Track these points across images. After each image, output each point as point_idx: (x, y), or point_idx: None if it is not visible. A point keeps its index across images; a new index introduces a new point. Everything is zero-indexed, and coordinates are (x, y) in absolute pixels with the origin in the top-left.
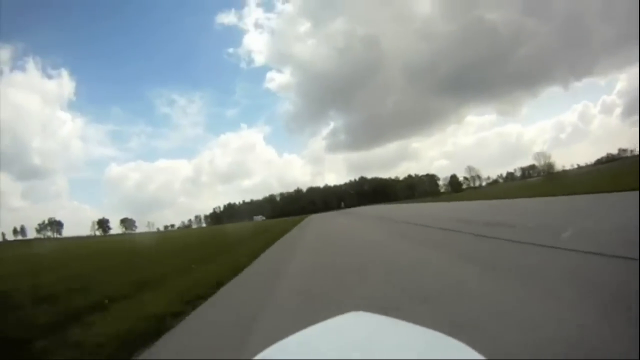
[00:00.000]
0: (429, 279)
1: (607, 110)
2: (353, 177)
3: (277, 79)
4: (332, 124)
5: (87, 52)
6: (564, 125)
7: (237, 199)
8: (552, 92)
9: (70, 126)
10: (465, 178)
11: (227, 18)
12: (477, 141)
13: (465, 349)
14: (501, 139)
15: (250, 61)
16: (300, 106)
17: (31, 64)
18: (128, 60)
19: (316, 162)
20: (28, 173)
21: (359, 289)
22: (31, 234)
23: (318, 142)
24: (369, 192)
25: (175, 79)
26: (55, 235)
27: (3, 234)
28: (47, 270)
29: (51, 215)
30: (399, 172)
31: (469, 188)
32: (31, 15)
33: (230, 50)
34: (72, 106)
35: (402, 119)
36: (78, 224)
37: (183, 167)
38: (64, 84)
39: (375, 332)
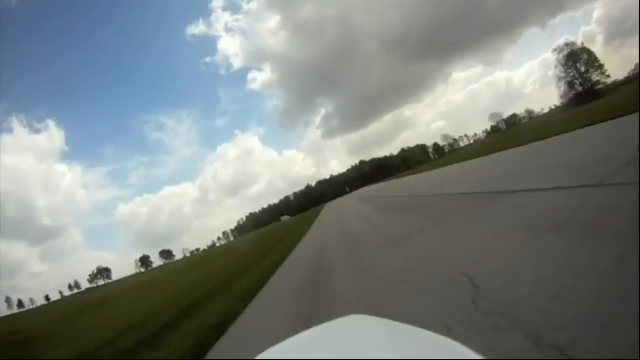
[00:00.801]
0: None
1: (589, 40)
2: (354, 158)
3: (258, 78)
4: (323, 111)
5: (69, 98)
6: (550, 63)
7: (251, 209)
8: (531, 34)
9: (69, 177)
10: (450, 143)
11: (197, 29)
12: (468, 96)
13: (464, 350)
14: (492, 88)
15: (229, 66)
16: (288, 100)
17: (16, 123)
18: (110, 95)
19: (316, 152)
20: (41, 235)
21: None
22: (84, 285)
23: (313, 131)
24: (370, 173)
25: (159, 102)
26: (107, 281)
27: (61, 292)
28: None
29: (74, 271)
30: (398, 144)
31: (450, 152)
32: (6, 74)
33: (207, 59)
34: (67, 156)
35: (389, 89)
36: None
37: (188, 190)
38: (53, 135)
39: (374, 335)
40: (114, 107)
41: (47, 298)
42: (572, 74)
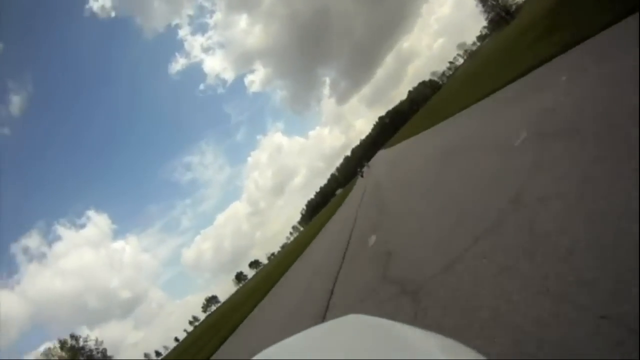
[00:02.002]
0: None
1: None
2: (376, 110)
3: (255, 79)
4: (327, 80)
5: (93, 183)
6: None
7: (305, 197)
8: None
9: (128, 249)
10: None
11: (178, 64)
12: (454, 3)
13: (465, 349)
14: None
15: (223, 82)
16: (290, 86)
17: (61, 229)
18: (131, 161)
19: (339, 120)
20: (127, 307)
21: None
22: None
23: (327, 102)
24: (390, 124)
25: (176, 146)
26: (217, 304)
27: (165, 347)
28: None
29: (168, 324)
30: (410, 78)
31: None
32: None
33: (201, 86)
34: (118, 233)
35: (378, 31)
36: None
37: (239, 209)
38: (97, 221)
39: (372, 334)
40: (139, 170)
41: (157, 353)
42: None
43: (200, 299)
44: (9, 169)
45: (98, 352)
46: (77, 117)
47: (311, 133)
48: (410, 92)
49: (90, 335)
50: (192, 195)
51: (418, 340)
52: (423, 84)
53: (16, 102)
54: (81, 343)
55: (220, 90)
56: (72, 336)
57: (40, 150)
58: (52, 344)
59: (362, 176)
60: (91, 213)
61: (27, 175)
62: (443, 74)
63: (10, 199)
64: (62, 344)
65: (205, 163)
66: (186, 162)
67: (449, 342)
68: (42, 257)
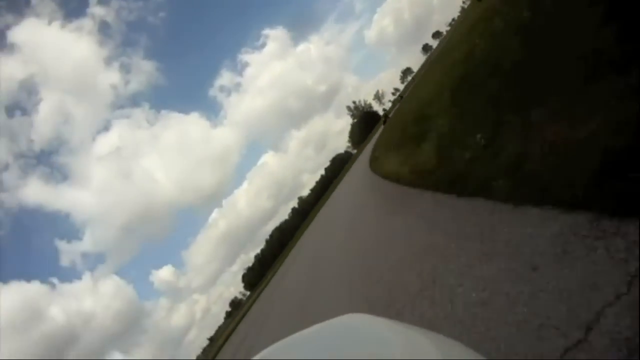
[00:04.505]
0: None
1: None
2: None
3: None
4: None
5: None
6: None
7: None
8: None
9: (313, 48)
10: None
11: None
12: None
13: (465, 349)
14: None
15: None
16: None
17: (245, 56)
18: None
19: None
20: (325, 101)
21: None
22: None
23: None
24: None
25: None
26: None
27: None
28: None
29: None
30: None
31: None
32: None
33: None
34: (297, 38)
35: None
36: None
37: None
38: (275, 35)
39: (372, 334)
40: None
41: None
42: None
43: (392, 75)
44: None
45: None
46: None
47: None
48: None
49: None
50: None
51: (418, 340)
52: None
53: None
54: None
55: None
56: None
57: None
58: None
59: None
60: (266, 32)
61: (196, 25)
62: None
63: (191, 54)
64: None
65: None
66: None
67: (449, 342)
68: (237, 87)
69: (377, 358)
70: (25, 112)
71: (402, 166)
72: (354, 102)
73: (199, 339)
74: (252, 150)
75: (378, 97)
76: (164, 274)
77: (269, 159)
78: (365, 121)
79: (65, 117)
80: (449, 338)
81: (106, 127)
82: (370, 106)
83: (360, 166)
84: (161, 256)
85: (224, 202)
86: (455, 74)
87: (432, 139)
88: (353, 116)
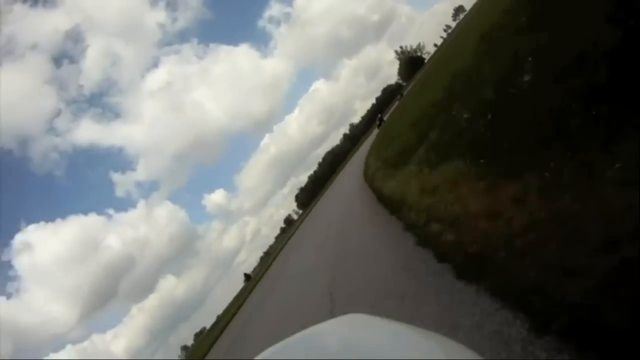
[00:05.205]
0: None
1: None
2: None
3: None
4: None
5: None
6: None
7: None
8: None
9: None
10: None
11: None
12: None
13: (464, 349)
14: None
15: None
16: None
17: None
18: None
19: None
20: (378, 30)
21: None
22: None
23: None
24: None
25: None
26: None
27: None
28: None
29: None
30: None
31: None
32: None
33: None
34: None
35: None
36: None
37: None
38: None
39: (373, 334)
40: None
41: None
42: None
43: (446, 8)
44: None
45: None
46: None
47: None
48: None
49: None
50: None
51: (418, 340)
52: None
53: None
54: None
55: None
56: None
57: None
58: None
59: None
60: None
61: None
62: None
63: None
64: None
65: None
66: None
67: (449, 343)
68: (287, 17)
69: (377, 358)
70: (72, 60)
71: None
72: (401, 47)
73: (249, 260)
74: (303, 79)
75: (419, 48)
76: (215, 197)
77: (320, 87)
78: (412, 63)
79: (113, 59)
80: (450, 339)
81: (155, 65)
82: (415, 51)
83: None
84: (213, 181)
85: (275, 128)
86: None
87: None
88: (400, 60)
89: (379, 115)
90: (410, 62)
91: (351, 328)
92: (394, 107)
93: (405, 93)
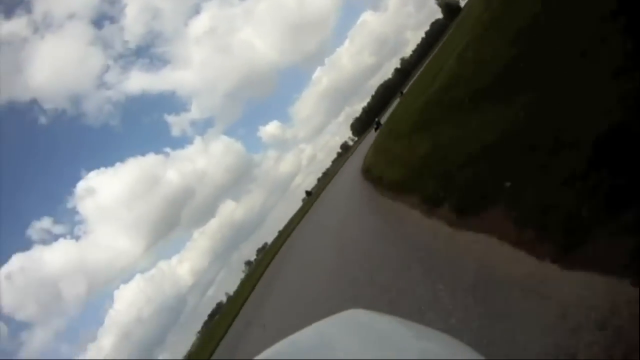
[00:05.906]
0: None
1: None
2: None
3: None
4: None
5: None
6: None
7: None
8: None
9: None
10: None
11: None
12: None
13: (464, 347)
14: None
15: None
16: None
17: None
18: None
19: None
20: None
21: None
22: None
23: None
24: None
25: None
26: None
27: None
28: None
29: None
30: None
31: None
32: None
33: None
34: None
35: None
36: None
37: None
38: None
39: (374, 330)
40: None
41: None
42: None
43: None
44: None
45: None
46: None
47: None
48: None
49: None
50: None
51: (418, 337)
52: None
53: None
54: None
55: None
56: None
57: None
58: None
59: None
60: None
61: None
62: None
63: None
64: None
65: None
66: None
67: (451, 341)
68: None
69: (378, 356)
70: (113, 20)
71: None
72: None
73: (305, 183)
74: (349, 11)
75: None
76: (270, 128)
77: (368, 18)
78: (448, 7)
79: (154, 12)
80: (451, 337)
81: (197, 12)
82: None
83: None
84: (267, 114)
85: (326, 60)
86: None
87: None
88: (439, 4)
89: (377, 119)
90: (447, 6)
91: (352, 324)
92: (393, 107)
93: (405, 91)
